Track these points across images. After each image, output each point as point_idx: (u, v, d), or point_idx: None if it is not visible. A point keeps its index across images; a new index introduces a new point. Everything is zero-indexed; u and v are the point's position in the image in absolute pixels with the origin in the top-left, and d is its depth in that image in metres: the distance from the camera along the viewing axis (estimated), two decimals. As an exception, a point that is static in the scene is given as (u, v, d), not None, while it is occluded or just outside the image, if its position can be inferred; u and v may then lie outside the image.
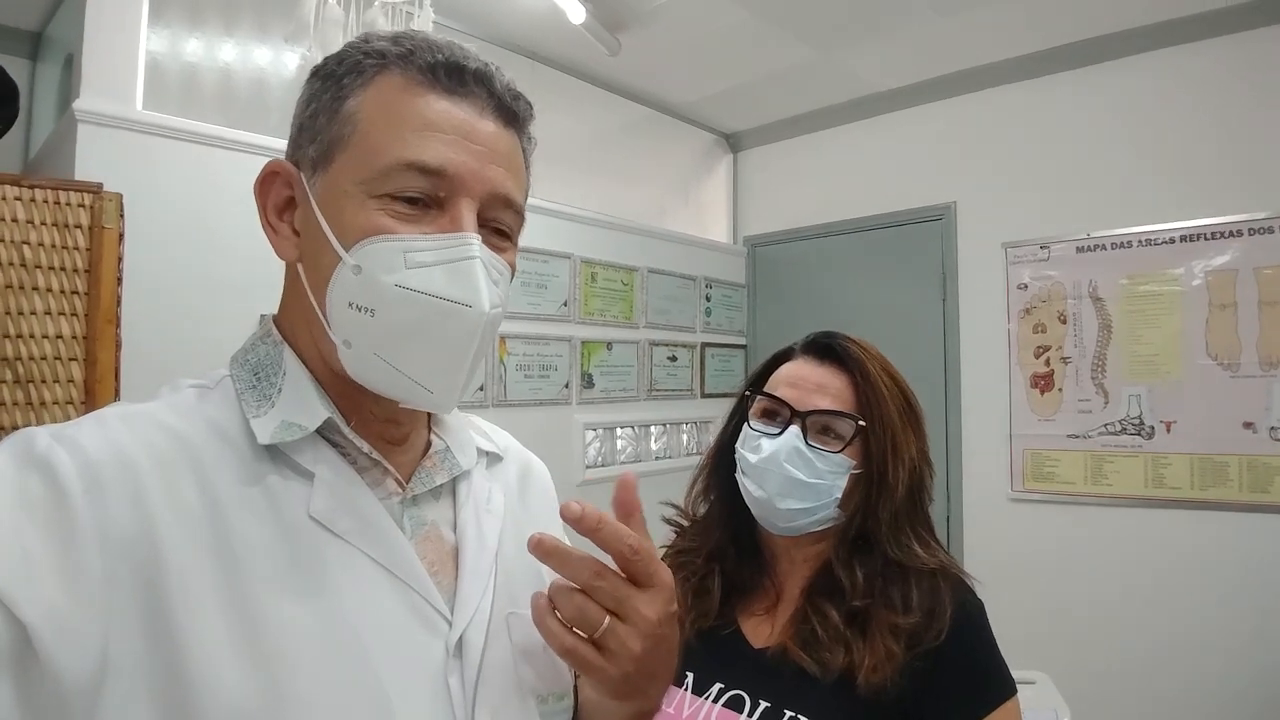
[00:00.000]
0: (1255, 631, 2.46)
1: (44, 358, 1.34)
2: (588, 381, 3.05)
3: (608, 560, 0.60)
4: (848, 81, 3.34)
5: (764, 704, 1.00)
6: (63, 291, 1.38)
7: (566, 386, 2.97)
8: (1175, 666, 2.58)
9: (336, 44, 1.89)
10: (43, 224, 1.37)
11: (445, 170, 0.60)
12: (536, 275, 2.87)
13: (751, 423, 1.11)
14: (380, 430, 0.67)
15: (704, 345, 3.61)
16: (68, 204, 1.40)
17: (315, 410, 0.63)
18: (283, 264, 0.67)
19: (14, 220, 1.34)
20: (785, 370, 1.13)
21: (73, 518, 0.51)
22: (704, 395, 3.57)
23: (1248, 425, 2.53)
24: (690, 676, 1.07)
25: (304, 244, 0.65)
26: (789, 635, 1.03)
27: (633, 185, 3.55)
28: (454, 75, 0.63)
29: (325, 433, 0.64)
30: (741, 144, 4.01)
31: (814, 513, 1.05)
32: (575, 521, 0.57)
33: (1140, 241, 2.76)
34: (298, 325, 0.66)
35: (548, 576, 0.78)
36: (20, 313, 1.33)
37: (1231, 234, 2.60)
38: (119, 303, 1.44)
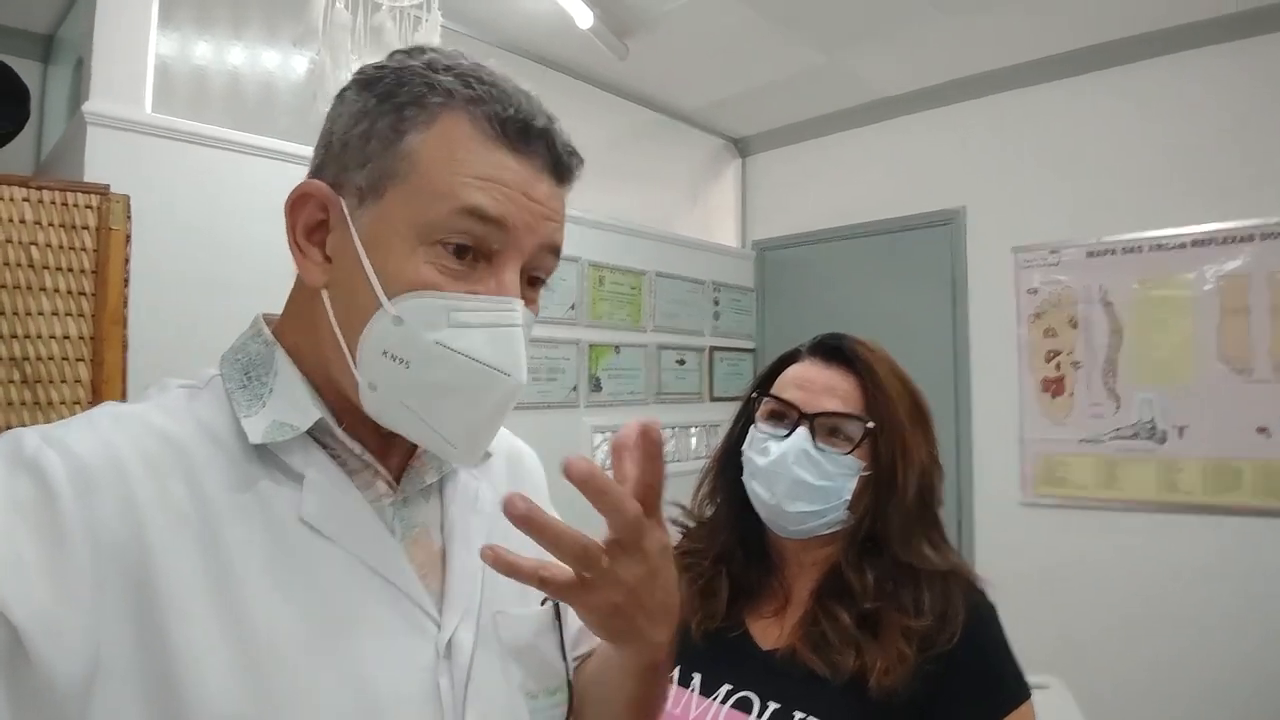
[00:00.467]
0: (1268, 636, 2.44)
1: (51, 358, 1.35)
2: (596, 385, 3.05)
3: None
4: (856, 86, 3.33)
5: (773, 705, 0.99)
6: (70, 292, 1.38)
7: (574, 390, 2.96)
8: (1188, 671, 2.56)
9: (344, 47, 1.90)
10: (50, 225, 1.37)
11: (505, 221, 0.60)
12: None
13: (759, 425, 1.10)
14: (375, 428, 0.66)
15: (712, 349, 3.60)
16: (75, 205, 1.40)
17: (307, 410, 0.63)
18: (290, 268, 0.66)
19: (21, 221, 1.34)
20: (792, 372, 1.11)
21: (63, 520, 0.51)
22: (713, 399, 3.56)
23: (1261, 430, 2.51)
24: (697, 677, 1.06)
25: (336, 274, 0.63)
26: (799, 637, 1.02)
27: (641, 189, 3.55)
28: (521, 133, 0.62)
29: (316, 434, 0.64)
30: (750, 148, 4.00)
31: (823, 515, 1.04)
32: (582, 482, 0.54)
33: (1151, 246, 2.75)
34: (301, 338, 0.66)
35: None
36: (28, 313, 1.33)
37: (1244, 238, 2.58)
38: (126, 304, 1.45)
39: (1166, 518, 2.67)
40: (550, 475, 0.91)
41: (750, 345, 3.83)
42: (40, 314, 1.35)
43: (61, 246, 1.38)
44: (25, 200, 1.36)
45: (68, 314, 1.37)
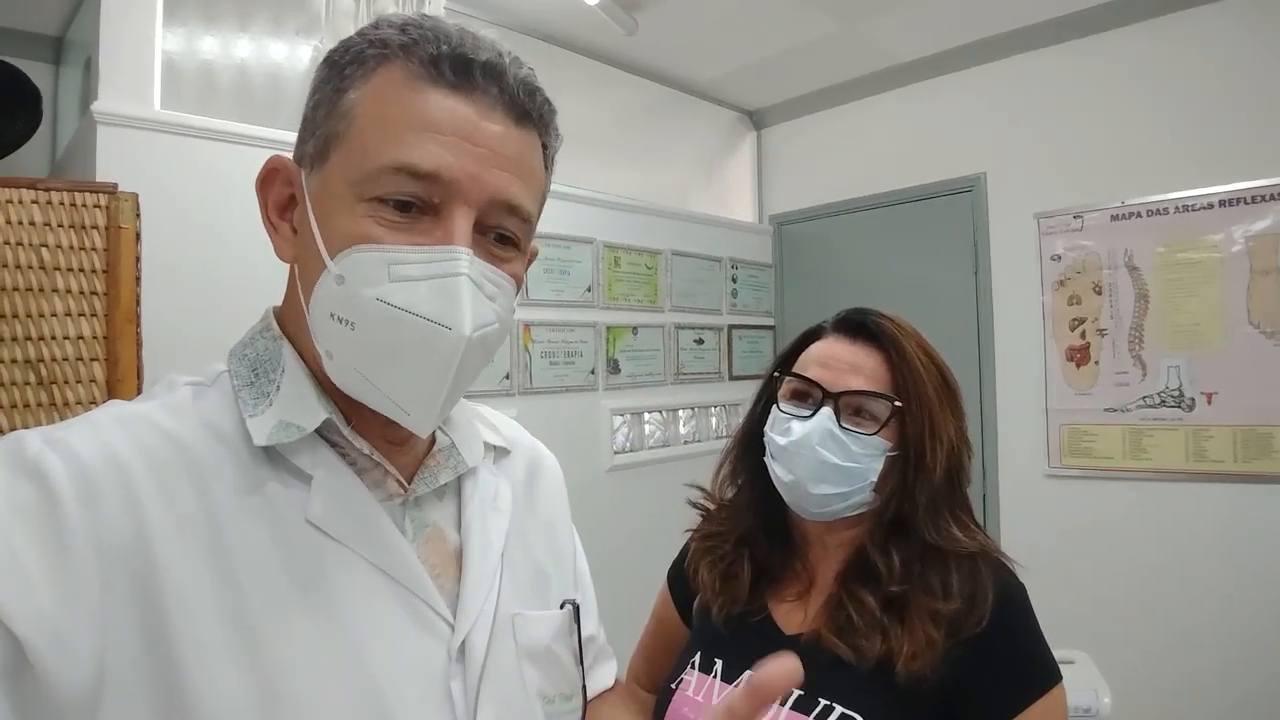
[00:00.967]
0: (1303, 605, 2.40)
1: (65, 359, 1.35)
2: (614, 367, 3.04)
3: None
4: (871, 52, 3.28)
5: (797, 692, 0.96)
6: (82, 292, 1.39)
7: (593, 373, 2.95)
8: (1217, 643, 2.52)
9: (348, 34, 1.89)
10: (60, 226, 1.37)
11: (440, 174, 0.57)
12: (559, 261, 2.85)
13: (781, 405, 1.07)
14: (380, 429, 0.65)
15: (731, 327, 3.58)
16: (84, 205, 1.40)
17: (314, 410, 0.61)
18: None
19: (31, 224, 1.34)
20: (816, 349, 1.08)
21: (65, 524, 0.50)
22: (732, 378, 3.54)
23: (1293, 394, 2.46)
24: (719, 663, 1.04)
25: (299, 245, 0.63)
26: (823, 622, 1.00)
27: (655, 167, 3.52)
28: (460, 69, 0.59)
29: (324, 432, 0.62)
30: (765, 121, 3.95)
31: (848, 497, 1.02)
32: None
33: (1177, 208, 2.68)
34: (298, 324, 0.64)
35: (553, 571, 0.77)
36: (40, 315, 1.34)
37: (1273, 197, 2.51)
38: (139, 302, 1.45)
39: (1196, 487, 2.62)
40: (569, 476, 0.90)
41: (769, 322, 3.80)
42: (53, 315, 1.35)
43: (72, 247, 1.38)
44: (34, 202, 1.36)
45: (80, 314, 1.38)
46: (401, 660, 0.59)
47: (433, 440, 0.71)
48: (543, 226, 0.68)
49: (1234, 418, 2.56)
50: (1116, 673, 1.98)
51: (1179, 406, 2.66)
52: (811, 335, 1.12)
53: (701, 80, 3.58)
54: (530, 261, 0.72)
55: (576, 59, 3.14)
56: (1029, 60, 3.05)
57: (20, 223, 1.33)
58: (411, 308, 0.56)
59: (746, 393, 1.18)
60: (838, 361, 1.05)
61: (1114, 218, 2.82)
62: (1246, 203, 2.56)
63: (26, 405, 1.29)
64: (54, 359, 1.33)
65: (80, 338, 1.36)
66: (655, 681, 1.19)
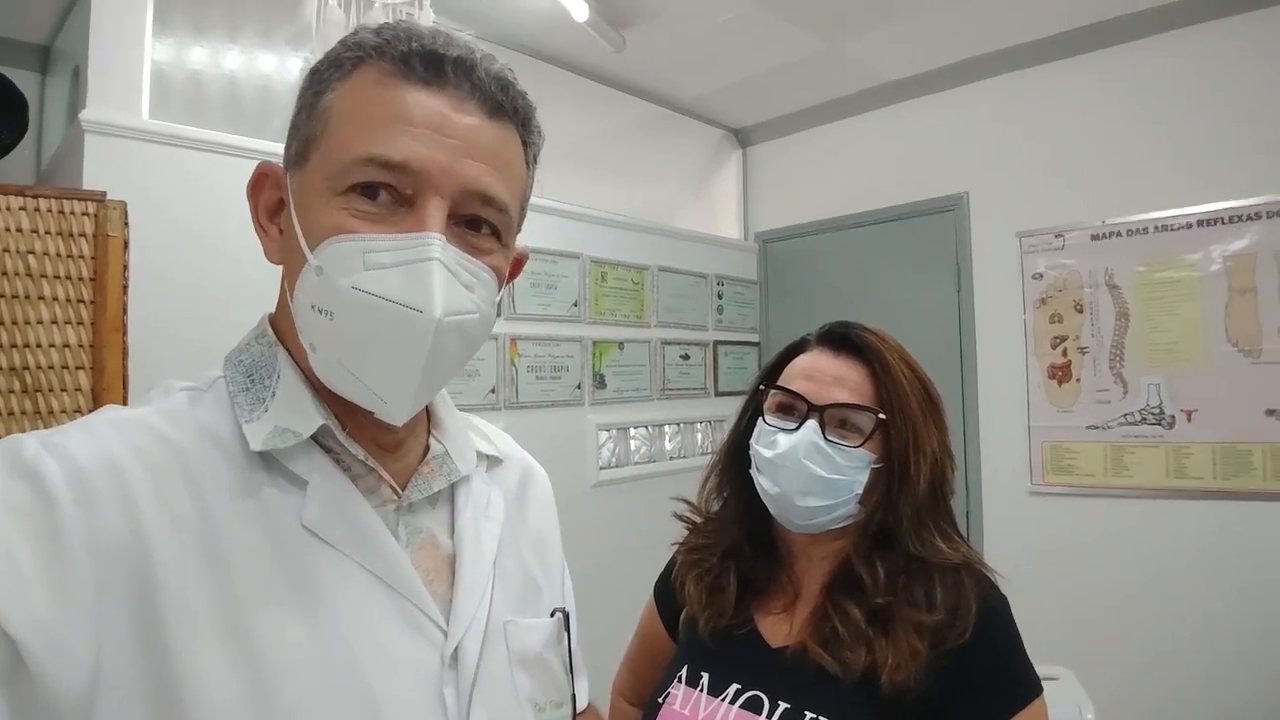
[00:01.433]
0: (1282, 622, 2.42)
1: (51, 367, 1.34)
2: (600, 382, 3.04)
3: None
4: (856, 72, 3.31)
5: (783, 705, 0.97)
6: (69, 300, 1.38)
7: (579, 387, 2.95)
8: (1199, 659, 2.54)
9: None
10: (48, 233, 1.37)
11: (409, 165, 0.58)
12: (546, 276, 2.86)
13: (766, 417, 1.08)
14: (374, 435, 0.65)
15: (717, 343, 3.60)
16: (72, 213, 1.40)
17: (310, 416, 0.62)
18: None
19: (19, 230, 1.34)
20: (800, 362, 1.09)
21: (62, 527, 0.50)
22: (718, 393, 3.55)
23: (1271, 412, 2.49)
24: (705, 677, 1.04)
25: (285, 245, 0.63)
26: (809, 634, 1.00)
27: (641, 183, 3.54)
28: (431, 65, 0.60)
29: (319, 438, 0.63)
30: (751, 139, 3.98)
31: (834, 510, 1.02)
32: None
33: (1156, 227, 2.72)
34: (291, 330, 0.65)
35: (544, 583, 0.77)
36: (27, 322, 1.33)
37: (1250, 217, 2.55)
38: (125, 310, 1.44)
39: (1176, 504, 2.65)
40: (558, 490, 0.90)
41: (754, 339, 3.82)
42: (39, 323, 1.34)
43: (59, 254, 1.38)
44: (22, 209, 1.35)
45: (67, 322, 1.37)
46: (395, 665, 0.59)
47: (426, 448, 0.71)
48: (530, 240, 0.68)
49: (1213, 435, 2.59)
50: (1100, 689, 1.99)
51: (1159, 424, 2.69)
52: (796, 348, 1.13)
53: (688, 98, 3.61)
54: (519, 265, 0.73)
55: (565, 75, 3.16)
56: (1011, 81, 3.09)
57: (8, 229, 1.33)
58: (384, 293, 0.56)
59: (732, 408, 1.18)
60: (822, 374, 1.05)
61: (1095, 237, 2.86)
62: (1224, 223, 2.60)
63: (11, 413, 1.28)
64: (39, 367, 1.33)
65: (66, 346, 1.36)
66: (641, 695, 1.19)
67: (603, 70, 3.24)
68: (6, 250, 1.33)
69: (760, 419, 1.09)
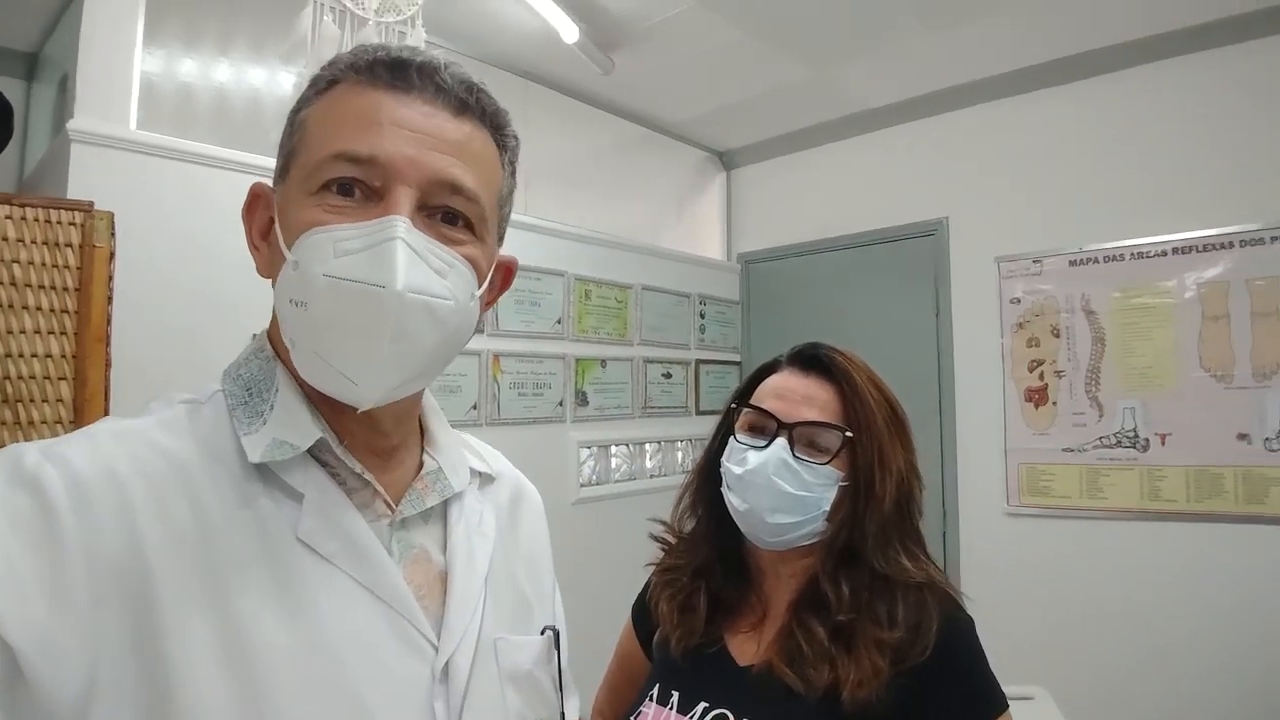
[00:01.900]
0: (1253, 643, 2.45)
1: (33, 377, 1.34)
2: (582, 399, 3.05)
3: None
4: (840, 98, 3.36)
5: None
6: (53, 310, 1.37)
7: (561, 404, 2.96)
8: (1174, 679, 2.57)
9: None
10: (33, 242, 1.37)
11: (376, 157, 0.60)
12: (530, 293, 2.87)
13: (737, 436, 1.10)
14: (367, 441, 0.66)
15: (698, 362, 3.61)
16: (58, 222, 1.40)
17: (307, 429, 0.63)
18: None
19: (4, 239, 1.34)
20: (771, 382, 1.11)
21: (61, 536, 0.51)
22: (699, 412, 3.56)
23: (1242, 436, 2.54)
24: (675, 695, 1.05)
25: (272, 257, 0.65)
26: (775, 652, 1.01)
27: (626, 203, 3.56)
28: (397, 71, 0.63)
29: (315, 452, 0.64)
30: (735, 161, 4.03)
31: (801, 526, 1.03)
32: None
33: (1133, 254, 2.78)
34: (281, 341, 0.66)
35: (535, 601, 0.77)
36: (9, 331, 1.33)
37: (1223, 246, 2.61)
38: (109, 321, 1.44)
39: (1150, 526, 2.69)
40: (547, 506, 0.91)
41: (736, 358, 3.84)
42: (22, 332, 1.34)
43: (45, 264, 1.37)
44: (8, 218, 1.35)
45: (50, 332, 1.36)
46: (386, 679, 0.60)
47: (420, 464, 0.72)
48: (515, 257, 0.69)
49: (1186, 458, 2.63)
50: (1075, 708, 2.01)
51: (1134, 447, 2.73)
52: (768, 369, 1.15)
53: (674, 120, 3.64)
54: (510, 274, 0.74)
55: (553, 96, 3.18)
56: (992, 110, 3.15)
57: (-7, 238, 1.32)
58: (350, 275, 0.58)
59: (712, 427, 1.19)
60: (792, 393, 1.07)
61: (1072, 263, 2.90)
62: (1198, 251, 2.65)
63: (-9, 422, 1.27)
64: (21, 376, 1.32)
65: (49, 356, 1.35)
66: (618, 714, 1.19)
67: (591, 91, 3.27)
68: (-9, 259, 1.32)
69: (732, 437, 1.11)
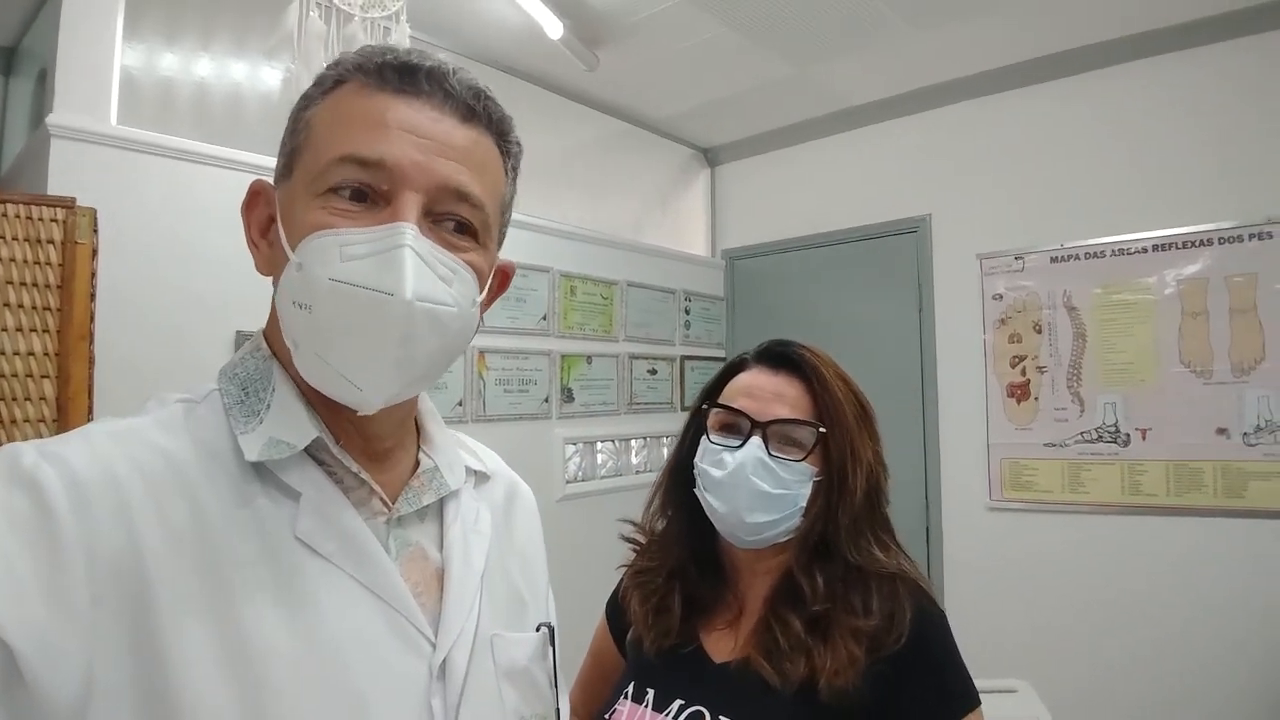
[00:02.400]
0: (1233, 636, 2.49)
1: (15, 375, 1.32)
2: (567, 395, 3.05)
3: None
4: (824, 96, 3.37)
5: (724, 719, 0.98)
6: (35, 308, 1.36)
7: (546, 401, 2.96)
8: (1155, 672, 2.60)
9: (318, 57, 1.89)
10: (14, 239, 1.35)
11: (384, 161, 0.60)
12: (515, 289, 2.86)
13: (711, 436, 1.09)
14: (363, 445, 0.66)
15: (683, 358, 3.62)
16: (40, 219, 1.38)
17: (304, 428, 0.63)
18: (263, 278, 0.67)
19: (-15, 236, 1.32)
20: (741, 380, 1.11)
21: (59, 536, 0.51)
22: (684, 408, 3.56)
23: (1221, 431, 2.57)
24: (651, 693, 1.05)
25: (273, 256, 0.65)
26: (752, 647, 1.01)
27: (611, 199, 3.56)
28: (405, 75, 0.63)
29: (312, 451, 0.63)
30: (719, 158, 4.03)
31: (779, 524, 1.04)
32: None
33: (1113, 251, 2.80)
34: (282, 341, 0.65)
35: (529, 599, 0.78)
36: (-9, 329, 1.31)
37: (1203, 243, 2.64)
38: (92, 318, 1.42)
39: (1130, 519, 2.72)
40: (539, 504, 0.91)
41: (721, 354, 3.85)
42: (4, 330, 1.32)
43: (26, 261, 1.36)
44: (-12, 215, 1.33)
45: (32, 330, 1.35)
46: (384, 675, 0.60)
47: (416, 462, 0.72)
48: (501, 252, 0.70)
49: (1166, 453, 2.67)
50: (1057, 701, 2.03)
51: (1115, 442, 2.76)
52: (735, 367, 1.15)
53: (659, 117, 3.65)
54: (507, 278, 0.75)
55: (537, 91, 3.18)
56: (974, 107, 3.17)
57: (-27, 235, 1.31)
58: (357, 281, 0.58)
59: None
60: (762, 391, 1.07)
61: (1053, 259, 2.93)
62: (1178, 248, 2.68)
63: (-27, 421, 1.26)
64: (2, 375, 1.30)
65: (31, 354, 1.34)
66: (593, 712, 1.19)
67: (575, 87, 3.27)
68: (-29, 256, 1.31)
69: (705, 437, 1.10)
